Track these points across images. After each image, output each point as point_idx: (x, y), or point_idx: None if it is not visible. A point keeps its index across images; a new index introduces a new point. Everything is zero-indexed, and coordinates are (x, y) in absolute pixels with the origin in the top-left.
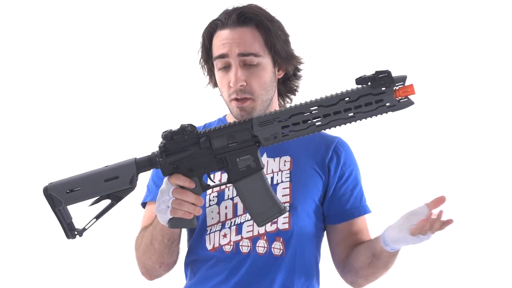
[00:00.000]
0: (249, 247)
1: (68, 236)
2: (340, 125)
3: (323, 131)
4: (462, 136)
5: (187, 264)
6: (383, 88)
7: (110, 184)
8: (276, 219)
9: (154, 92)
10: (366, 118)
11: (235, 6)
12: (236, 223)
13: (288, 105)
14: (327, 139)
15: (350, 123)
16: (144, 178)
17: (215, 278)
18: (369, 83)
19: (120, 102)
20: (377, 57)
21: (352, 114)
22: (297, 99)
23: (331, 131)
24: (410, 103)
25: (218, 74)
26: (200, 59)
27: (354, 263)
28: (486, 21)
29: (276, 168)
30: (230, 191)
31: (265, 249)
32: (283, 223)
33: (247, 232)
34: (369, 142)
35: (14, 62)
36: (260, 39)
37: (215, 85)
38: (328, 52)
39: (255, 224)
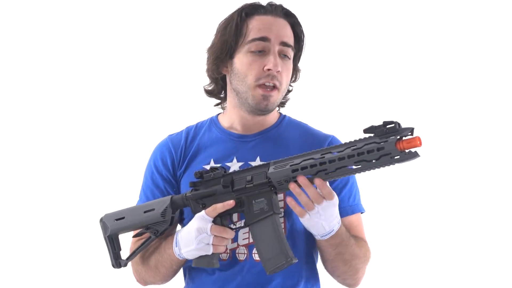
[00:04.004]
0: (245, 254)
1: (113, 265)
2: (348, 175)
3: (317, 129)
4: (462, 136)
5: (184, 269)
6: (391, 137)
7: (148, 215)
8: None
9: (145, 92)
10: (373, 169)
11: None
12: None
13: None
14: (319, 139)
15: (359, 172)
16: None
17: (212, 285)
18: (375, 132)
19: (115, 102)
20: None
21: (357, 161)
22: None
23: (326, 130)
24: (415, 155)
25: (247, 57)
26: (217, 41)
27: (322, 262)
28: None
29: None
30: None
31: None
32: None
33: (243, 239)
34: None
35: (16, 64)
36: (293, 37)
37: (216, 73)
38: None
39: (250, 231)
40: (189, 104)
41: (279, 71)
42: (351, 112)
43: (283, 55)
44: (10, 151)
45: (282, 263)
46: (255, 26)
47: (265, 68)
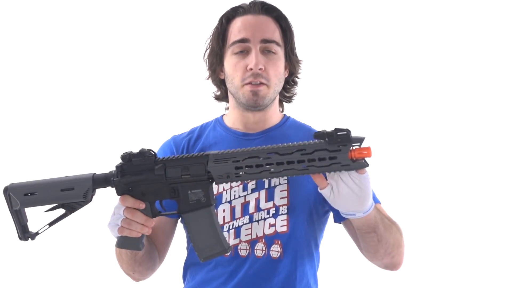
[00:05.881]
0: (247, 251)
1: (20, 238)
2: (292, 175)
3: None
4: (465, 137)
5: (187, 267)
6: (339, 146)
7: (66, 194)
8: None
9: (151, 93)
10: (319, 173)
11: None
12: (234, 226)
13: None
14: None
15: (303, 175)
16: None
17: (214, 281)
18: (326, 139)
19: (118, 103)
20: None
21: (305, 166)
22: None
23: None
24: (365, 165)
25: (232, 59)
26: (207, 49)
27: (359, 247)
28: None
29: None
30: (228, 194)
31: (264, 252)
32: (281, 226)
33: (246, 235)
34: (375, 140)
35: (15, 64)
36: (280, 30)
37: (216, 79)
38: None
39: (253, 227)
40: (194, 106)
41: (261, 68)
42: (354, 114)
43: (267, 51)
44: (13, 152)
45: (218, 251)
46: (235, 28)
47: (248, 68)
